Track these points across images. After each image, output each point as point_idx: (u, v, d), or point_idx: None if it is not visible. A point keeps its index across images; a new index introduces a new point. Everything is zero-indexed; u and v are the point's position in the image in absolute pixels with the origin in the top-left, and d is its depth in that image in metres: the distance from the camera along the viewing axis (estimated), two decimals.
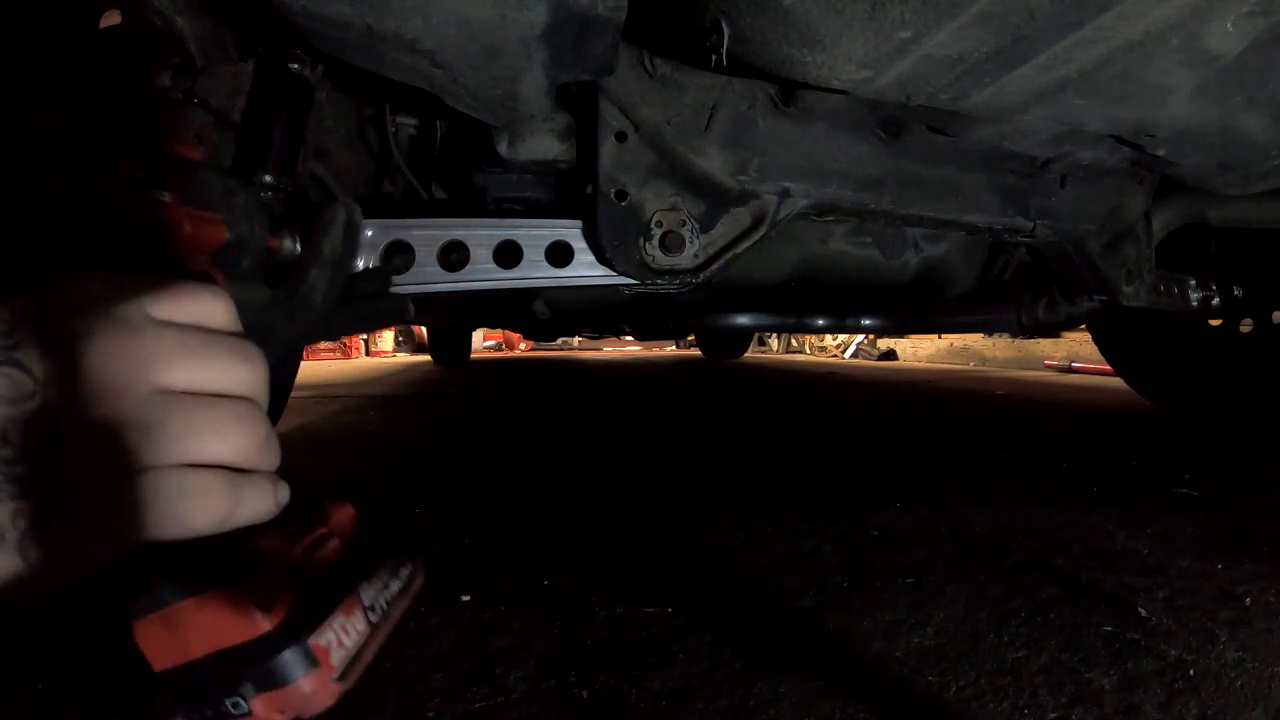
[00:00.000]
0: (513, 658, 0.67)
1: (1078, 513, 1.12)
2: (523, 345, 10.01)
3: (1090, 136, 0.77)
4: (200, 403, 0.27)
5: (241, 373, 0.29)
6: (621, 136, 0.74)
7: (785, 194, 0.80)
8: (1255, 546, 0.94)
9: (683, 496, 1.27)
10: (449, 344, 5.23)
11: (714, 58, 0.59)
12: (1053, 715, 0.57)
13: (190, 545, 0.28)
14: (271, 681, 0.29)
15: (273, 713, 0.29)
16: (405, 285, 0.73)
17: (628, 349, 9.49)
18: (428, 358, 6.20)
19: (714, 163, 0.77)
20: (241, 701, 0.29)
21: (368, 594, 0.34)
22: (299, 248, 0.56)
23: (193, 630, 0.29)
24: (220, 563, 0.30)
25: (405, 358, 8.10)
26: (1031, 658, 0.66)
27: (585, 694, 0.61)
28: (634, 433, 2.07)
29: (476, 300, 1.57)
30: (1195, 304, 1.39)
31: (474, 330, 6.45)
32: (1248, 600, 0.78)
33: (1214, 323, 1.85)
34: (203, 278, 0.37)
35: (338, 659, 0.31)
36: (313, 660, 0.30)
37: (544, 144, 0.78)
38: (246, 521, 0.28)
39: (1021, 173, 0.92)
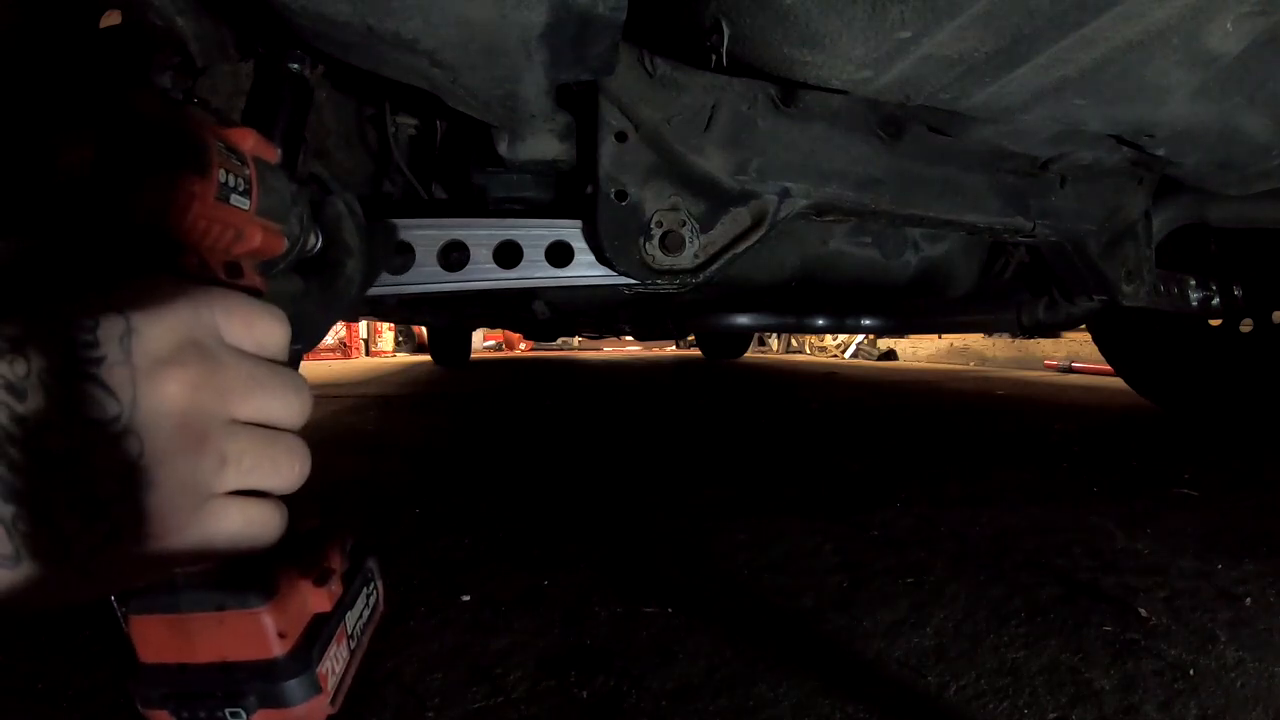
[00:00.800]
0: (513, 658, 0.67)
1: (1078, 513, 1.12)
2: (523, 345, 10.01)
3: (1090, 136, 0.77)
4: (267, 437, 0.28)
5: (295, 406, 0.30)
6: (621, 136, 0.74)
7: (785, 194, 0.80)
8: (1255, 546, 0.94)
9: (682, 496, 1.27)
10: (449, 344, 5.23)
11: (714, 58, 0.59)
12: (1053, 715, 0.57)
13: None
14: (277, 701, 0.31)
15: None
16: (405, 285, 0.73)
17: (628, 349, 9.49)
18: (428, 358, 6.20)
19: (714, 162, 0.77)
20: (243, 713, 0.31)
21: (351, 623, 0.37)
22: (319, 242, 0.56)
23: (204, 640, 0.31)
24: (243, 581, 0.31)
25: (405, 358, 8.10)
26: (1031, 658, 0.66)
27: (585, 694, 0.61)
28: (633, 432, 2.07)
29: (476, 300, 1.57)
30: (1195, 304, 1.39)
31: (474, 330, 6.45)
32: (1248, 600, 0.78)
33: (1214, 323, 1.85)
34: (254, 291, 0.38)
35: (331, 685, 0.33)
36: (317, 687, 0.32)
37: (544, 144, 0.78)
38: (268, 544, 0.29)
39: (1021, 173, 0.92)
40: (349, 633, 0.36)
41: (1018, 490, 1.28)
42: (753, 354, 7.09)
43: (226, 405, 0.27)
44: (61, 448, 0.23)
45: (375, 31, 0.52)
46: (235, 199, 0.37)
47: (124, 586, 0.27)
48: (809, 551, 0.96)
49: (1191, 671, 0.63)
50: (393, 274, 0.73)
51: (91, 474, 0.23)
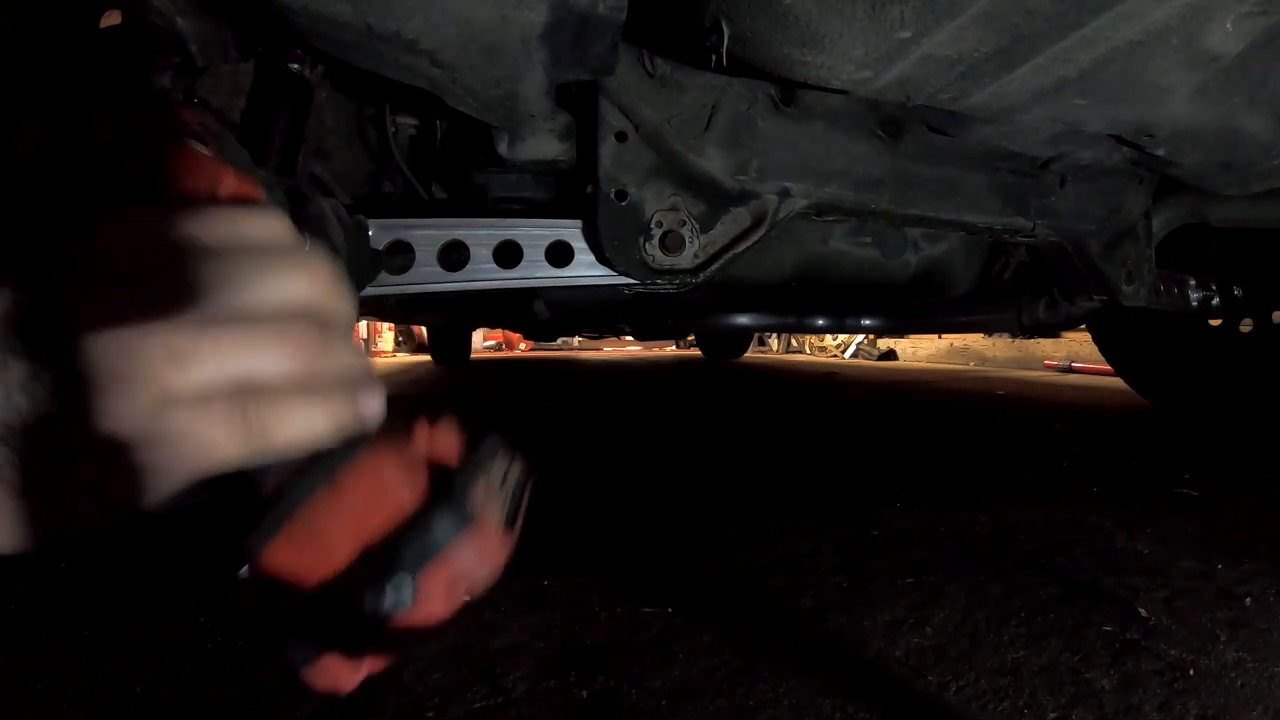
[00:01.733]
0: (513, 658, 0.67)
1: (1078, 512, 1.12)
2: (523, 345, 10.00)
3: (1090, 136, 0.77)
4: (237, 321, 0.24)
5: (296, 286, 0.25)
6: (621, 136, 0.74)
7: (785, 194, 0.80)
8: (1255, 546, 0.94)
9: (682, 496, 1.27)
10: (449, 344, 5.23)
11: (714, 58, 0.59)
12: (1053, 715, 0.57)
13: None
14: (431, 549, 0.26)
15: (440, 589, 0.26)
16: (405, 285, 0.73)
17: (628, 349, 9.49)
18: (427, 358, 6.19)
19: (714, 163, 0.77)
20: (406, 582, 0.25)
21: (501, 473, 0.31)
22: (308, 244, 0.56)
23: (331, 530, 0.25)
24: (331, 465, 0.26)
25: (405, 358, 8.10)
26: (1031, 658, 0.66)
27: (585, 694, 0.61)
28: (633, 432, 2.07)
29: (476, 300, 1.57)
30: (1195, 304, 1.39)
31: (474, 330, 6.45)
32: (1248, 600, 0.78)
33: (1214, 323, 1.85)
34: None
35: (495, 510, 0.28)
36: (470, 516, 0.27)
37: (544, 144, 0.78)
38: (295, 444, 0.25)
39: (1021, 173, 0.93)
40: (501, 466, 0.32)
41: (1018, 490, 1.28)
42: (753, 354, 7.09)
43: (189, 300, 0.23)
44: (20, 363, 0.21)
45: (375, 31, 0.52)
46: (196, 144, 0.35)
47: (111, 518, 0.23)
48: (809, 551, 0.96)
49: (1191, 671, 0.63)
50: (393, 274, 0.73)
51: (51, 385, 0.21)
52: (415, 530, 0.26)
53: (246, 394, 0.24)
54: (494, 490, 0.29)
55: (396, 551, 0.25)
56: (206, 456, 0.23)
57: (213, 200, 0.32)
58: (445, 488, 0.27)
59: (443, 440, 0.31)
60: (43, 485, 0.22)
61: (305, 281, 0.26)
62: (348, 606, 0.25)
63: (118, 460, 0.22)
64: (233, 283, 0.24)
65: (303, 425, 0.25)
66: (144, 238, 0.24)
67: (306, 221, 0.55)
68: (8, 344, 0.22)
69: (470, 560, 0.26)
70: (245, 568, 0.25)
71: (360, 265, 0.64)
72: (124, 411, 0.22)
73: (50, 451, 0.22)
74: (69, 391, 0.22)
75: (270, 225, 0.27)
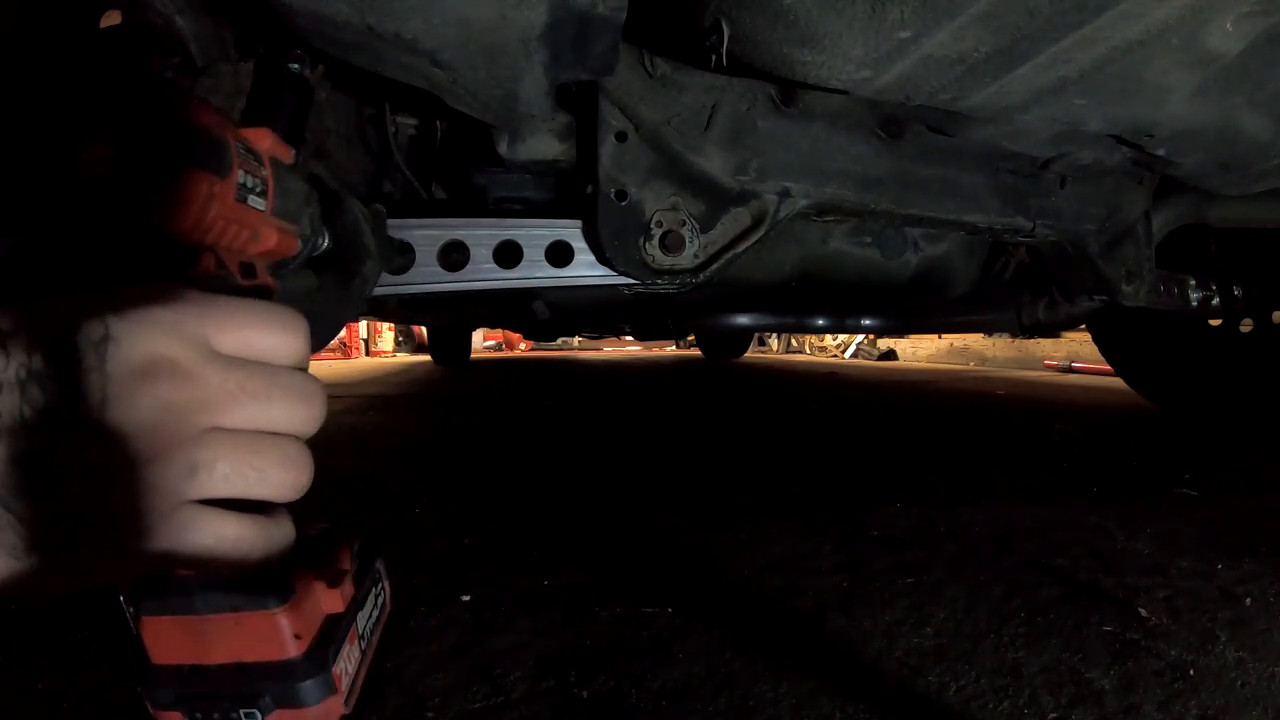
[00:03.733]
0: (513, 658, 0.67)
1: (1078, 512, 1.12)
2: (523, 345, 10.00)
3: (1090, 136, 0.77)
4: (254, 445, 0.27)
5: (298, 414, 0.29)
6: (621, 136, 0.74)
7: (785, 194, 0.80)
8: (1255, 546, 0.94)
9: (681, 495, 1.27)
10: (449, 344, 5.23)
11: (714, 58, 0.59)
12: (1053, 715, 0.57)
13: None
14: (294, 702, 0.31)
15: None
16: (406, 285, 0.73)
17: (628, 349, 9.49)
18: (427, 358, 6.19)
19: (714, 163, 0.77)
20: (258, 714, 0.31)
21: (362, 623, 0.37)
22: (327, 243, 0.56)
23: (220, 641, 0.31)
24: (258, 583, 0.31)
25: (405, 358, 8.10)
26: (1031, 658, 0.66)
27: (585, 694, 0.61)
28: (633, 432, 2.07)
29: (476, 300, 1.57)
30: (1195, 304, 1.39)
31: (474, 330, 6.45)
32: (1248, 600, 0.78)
33: (1214, 323, 1.85)
34: (262, 292, 0.38)
35: (345, 685, 0.33)
36: (332, 688, 0.32)
37: (544, 144, 0.78)
38: (271, 556, 0.29)
39: (1021, 173, 0.93)
40: (360, 633, 0.36)
41: (1018, 490, 1.28)
42: (753, 354, 7.08)
43: (205, 415, 0.26)
44: (31, 447, 0.23)
45: (375, 31, 0.52)
46: (253, 200, 0.37)
47: (95, 583, 0.26)
48: (809, 551, 0.96)
49: (1191, 671, 0.63)
50: (393, 274, 0.73)
51: (59, 474, 0.24)
52: (286, 678, 0.31)
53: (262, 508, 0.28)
54: (351, 659, 0.35)
55: (263, 687, 0.31)
56: (222, 556, 0.27)
57: (248, 265, 0.37)
58: (322, 649, 0.32)
59: (350, 558, 0.37)
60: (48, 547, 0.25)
61: (305, 408, 0.29)
62: (205, 697, 0.31)
63: (124, 540, 0.25)
64: (245, 402, 0.27)
65: (284, 540, 0.29)
66: (171, 342, 0.26)
67: (341, 226, 0.55)
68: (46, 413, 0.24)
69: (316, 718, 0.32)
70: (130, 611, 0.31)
71: (387, 257, 0.66)
72: (141, 507, 0.25)
73: (58, 517, 0.24)
74: (89, 471, 0.24)
75: (281, 338, 0.30)
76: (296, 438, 0.29)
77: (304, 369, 0.31)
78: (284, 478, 0.28)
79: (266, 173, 0.38)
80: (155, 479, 0.25)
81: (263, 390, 0.28)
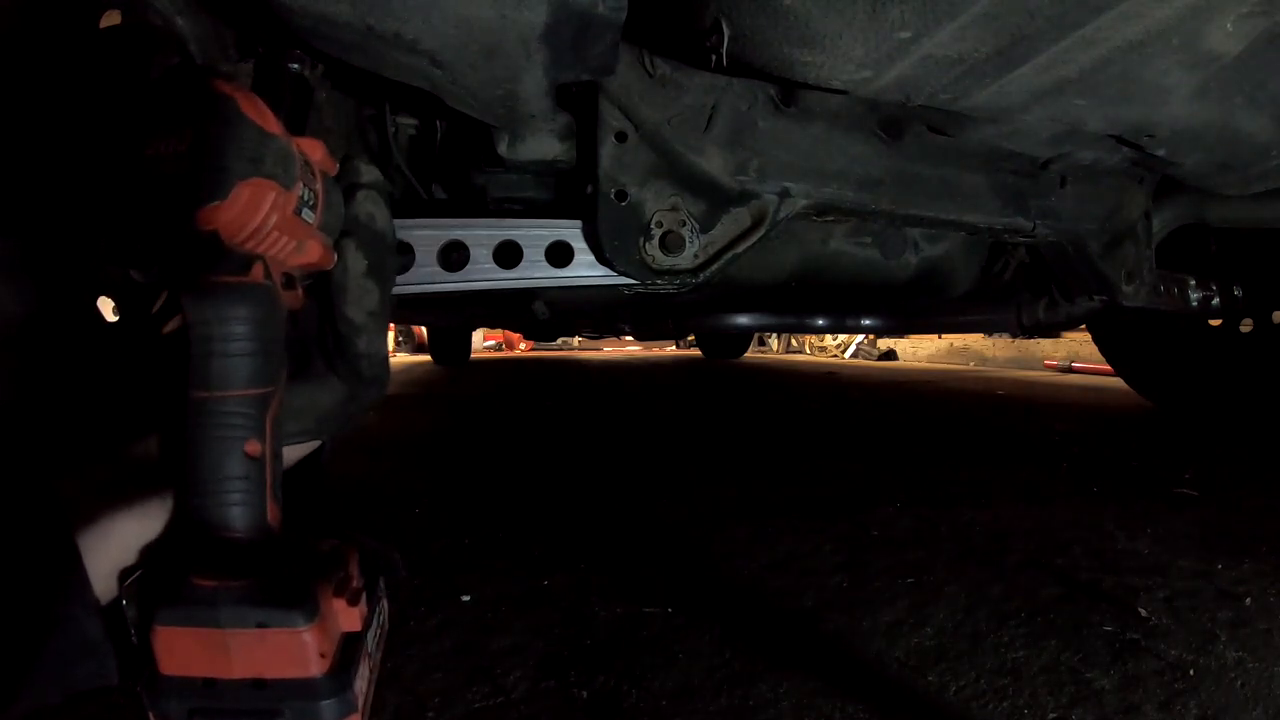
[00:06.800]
0: (513, 658, 0.67)
1: (1078, 512, 1.12)
2: (523, 345, 10.00)
3: (1090, 136, 0.77)
4: None
5: None
6: (621, 136, 0.74)
7: (785, 194, 0.80)
8: (1255, 546, 0.94)
9: (681, 496, 1.27)
10: (449, 344, 5.23)
11: (714, 58, 0.59)
12: (1053, 715, 0.57)
13: (259, 578, 0.30)
14: (309, 718, 0.31)
15: None
16: (406, 285, 0.73)
17: (628, 349, 9.49)
18: (427, 358, 6.19)
19: (714, 163, 0.76)
20: None
21: (370, 641, 0.36)
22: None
23: (241, 656, 0.30)
24: (286, 600, 0.31)
25: (405, 357, 8.09)
26: (1031, 658, 0.66)
27: (585, 694, 0.61)
28: (633, 432, 2.07)
29: (476, 300, 1.57)
30: (1195, 304, 1.39)
31: (474, 330, 6.45)
32: (1248, 600, 0.78)
33: (1214, 323, 1.85)
34: (293, 308, 0.38)
35: (363, 704, 0.33)
36: (352, 706, 0.32)
37: (544, 144, 0.78)
38: None
39: (1021, 173, 0.92)
40: (369, 651, 0.36)
41: (1018, 490, 1.28)
42: (753, 354, 7.08)
43: None
44: None
45: (375, 32, 0.52)
46: (305, 213, 0.36)
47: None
48: (809, 551, 0.96)
49: (1191, 671, 0.63)
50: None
51: None
52: (309, 696, 0.31)
53: None
54: (363, 677, 0.35)
55: (284, 705, 0.31)
56: None
57: (289, 277, 0.38)
58: (344, 670, 0.32)
59: (360, 572, 0.37)
60: None
61: None
62: (222, 713, 0.31)
63: None
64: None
65: None
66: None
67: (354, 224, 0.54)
68: None
69: None
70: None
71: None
72: None
73: None
74: None
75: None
76: None
77: None
78: None
79: (319, 186, 0.38)
80: None
81: None
